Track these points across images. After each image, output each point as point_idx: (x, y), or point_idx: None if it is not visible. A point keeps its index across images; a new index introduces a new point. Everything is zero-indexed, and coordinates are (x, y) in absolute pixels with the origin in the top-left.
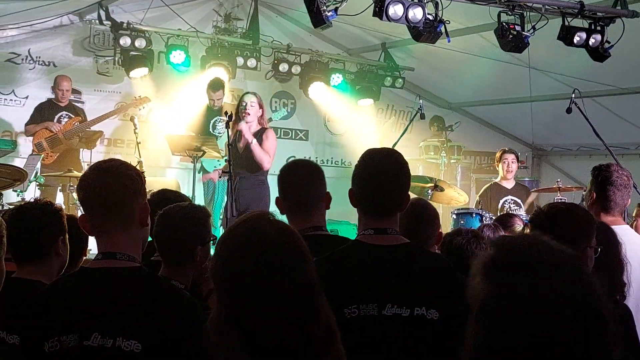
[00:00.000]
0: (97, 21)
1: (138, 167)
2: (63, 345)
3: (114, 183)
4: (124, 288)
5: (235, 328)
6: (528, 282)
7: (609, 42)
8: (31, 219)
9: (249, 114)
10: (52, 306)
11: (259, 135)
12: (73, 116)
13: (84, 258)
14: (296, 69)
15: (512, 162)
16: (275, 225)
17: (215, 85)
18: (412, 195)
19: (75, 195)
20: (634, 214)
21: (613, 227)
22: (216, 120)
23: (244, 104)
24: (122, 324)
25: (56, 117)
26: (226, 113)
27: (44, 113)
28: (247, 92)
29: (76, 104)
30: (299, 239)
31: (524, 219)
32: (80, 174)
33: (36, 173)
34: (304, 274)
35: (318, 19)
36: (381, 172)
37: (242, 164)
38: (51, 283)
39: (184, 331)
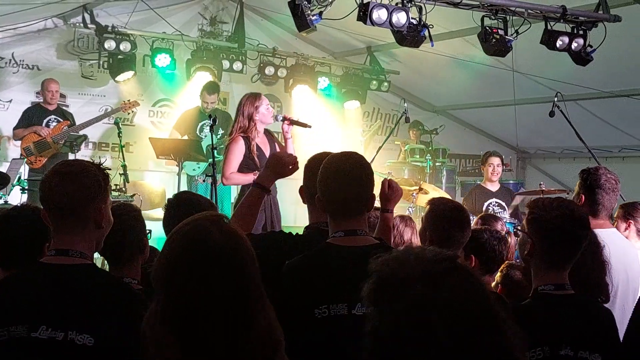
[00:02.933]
0: (82, 24)
1: (122, 170)
2: (12, 335)
3: (71, 189)
4: (74, 283)
5: (168, 328)
6: (402, 307)
7: (591, 46)
8: (20, 225)
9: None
10: (3, 298)
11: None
12: (62, 120)
13: None
14: (282, 72)
15: (498, 166)
16: (222, 229)
17: (211, 88)
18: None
19: None
20: (614, 215)
21: (601, 230)
22: (204, 124)
23: (267, 105)
24: (73, 318)
25: (45, 121)
26: (210, 116)
27: (32, 117)
28: (262, 94)
29: (64, 107)
30: (246, 245)
31: (507, 222)
32: None
33: (19, 177)
34: (242, 281)
35: (302, 23)
36: (343, 174)
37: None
38: (5, 277)
39: (133, 326)
